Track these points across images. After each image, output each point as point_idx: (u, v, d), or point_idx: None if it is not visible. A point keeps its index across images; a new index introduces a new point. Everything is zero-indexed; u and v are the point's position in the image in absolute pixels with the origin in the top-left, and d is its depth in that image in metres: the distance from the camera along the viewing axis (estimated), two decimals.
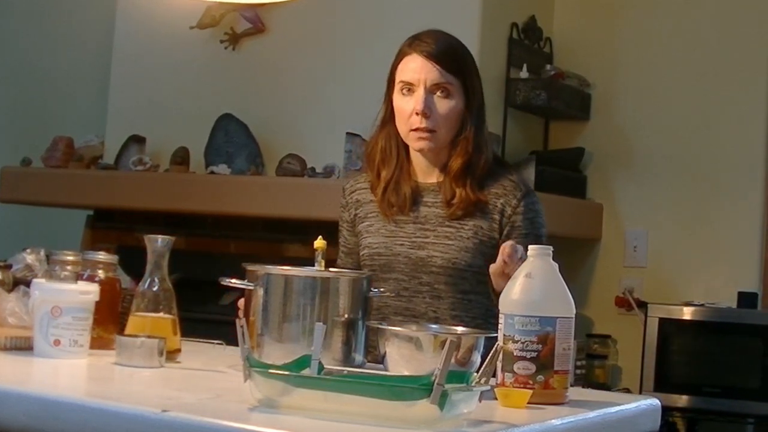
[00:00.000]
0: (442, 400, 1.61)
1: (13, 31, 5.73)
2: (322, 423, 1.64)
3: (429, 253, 2.56)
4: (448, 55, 2.54)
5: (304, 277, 2.23)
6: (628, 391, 4.34)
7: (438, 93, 2.53)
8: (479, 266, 2.53)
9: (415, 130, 2.54)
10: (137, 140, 4.71)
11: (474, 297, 2.56)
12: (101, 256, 2.43)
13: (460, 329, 2.20)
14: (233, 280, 2.27)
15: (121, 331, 2.31)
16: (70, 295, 2.22)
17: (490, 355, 1.82)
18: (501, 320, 1.99)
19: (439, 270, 2.55)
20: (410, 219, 2.61)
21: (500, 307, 2.01)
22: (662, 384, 4.15)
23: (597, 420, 1.94)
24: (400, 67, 2.56)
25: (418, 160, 2.63)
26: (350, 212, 2.71)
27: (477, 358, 2.04)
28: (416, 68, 2.53)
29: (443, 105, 2.53)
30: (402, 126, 2.57)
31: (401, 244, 2.59)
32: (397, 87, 2.56)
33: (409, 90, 2.54)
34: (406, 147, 2.63)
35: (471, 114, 2.57)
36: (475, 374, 1.80)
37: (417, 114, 2.52)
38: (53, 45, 5.57)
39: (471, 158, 2.55)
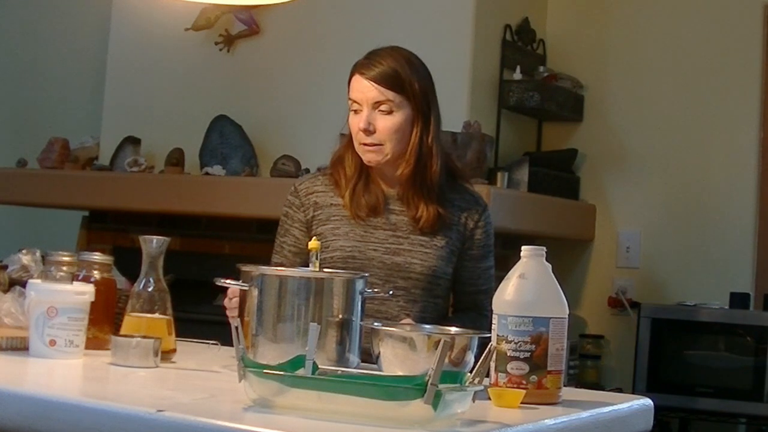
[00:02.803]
0: (436, 400, 1.62)
1: (9, 33, 5.73)
2: (317, 423, 1.65)
3: (407, 260, 2.64)
4: (387, 75, 2.61)
5: (298, 277, 2.24)
6: (620, 391, 4.33)
7: (380, 109, 2.62)
8: (450, 273, 2.69)
9: (363, 144, 2.64)
10: (132, 141, 4.71)
11: (441, 301, 2.70)
12: (96, 256, 2.43)
13: (453, 329, 2.21)
14: (228, 281, 2.28)
15: (116, 331, 2.32)
16: (66, 295, 2.23)
17: (484, 355, 1.83)
18: (494, 320, 2.00)
19: (418, 276, 2.64)
20: (380, 224, 2.66)
21: (494, 308, 2.02)
22: (655, 384, 4.16)
23: (590, 420, 1.94)
24: (350, 86, 2.67)
25: (379, 172, 2.70)
26: (306, 213, 2.72)
27: (471, 358, 2.05)
28: (359, 88, 2.63)
29: (385, 121, 2.62)
30: (354, 141, 2.67)
31: (374, 249, 2.64)
32: (350, 104, 2.67)
33: (357, 108, 2.64)
34: None
35: (417, 126, 2.64)
36: (469, 374, 1.81)
37: (361, 131, 2.62)
38: (49, 46, 5.57)
39: (415, 168, 2.64)
